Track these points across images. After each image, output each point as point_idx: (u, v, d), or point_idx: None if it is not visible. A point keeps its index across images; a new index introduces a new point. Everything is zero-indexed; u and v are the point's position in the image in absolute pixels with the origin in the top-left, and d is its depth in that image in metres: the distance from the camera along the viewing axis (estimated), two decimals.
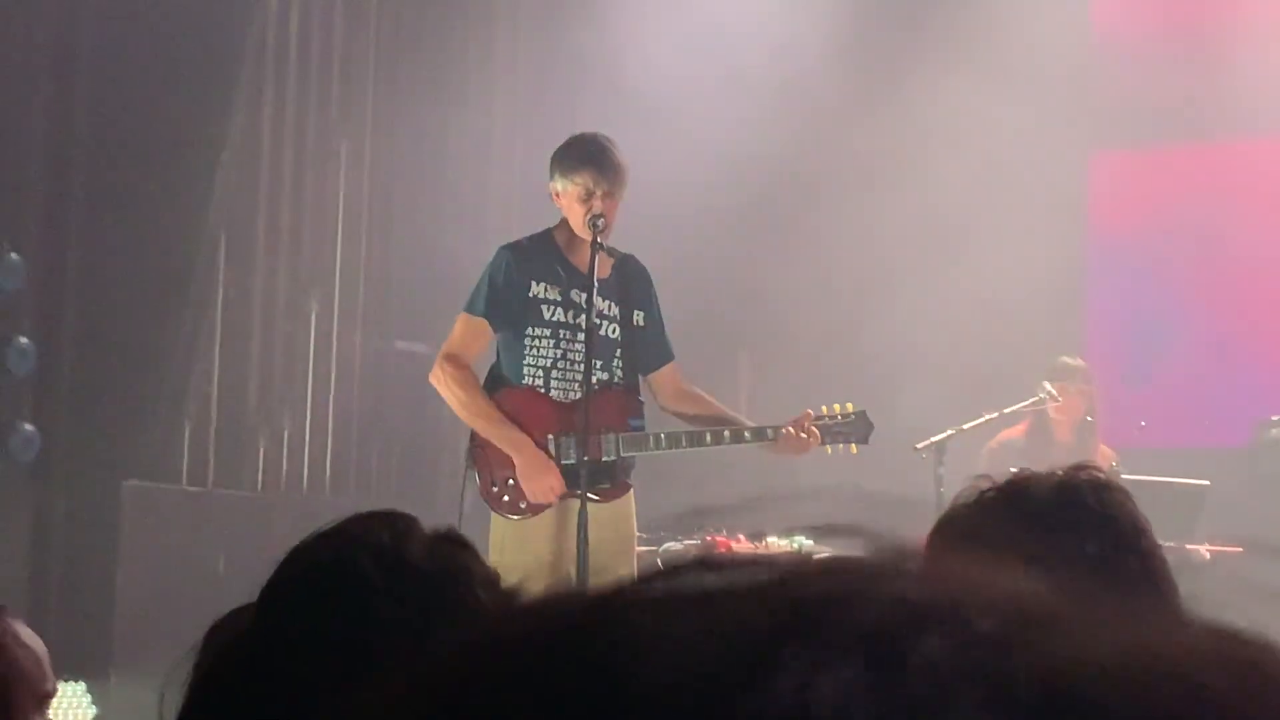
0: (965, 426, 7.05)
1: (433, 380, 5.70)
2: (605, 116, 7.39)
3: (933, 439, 6.83)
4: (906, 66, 8.98)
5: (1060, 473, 1.98)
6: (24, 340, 6.80)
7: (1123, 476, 6.73)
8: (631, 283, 5.70)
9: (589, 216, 5.42)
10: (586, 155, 5.53)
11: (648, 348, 5.73)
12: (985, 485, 1.97)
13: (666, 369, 5.75)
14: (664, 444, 5.63)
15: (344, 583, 1.50)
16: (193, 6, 7.33)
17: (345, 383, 8.23)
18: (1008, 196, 8.63)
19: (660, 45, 8.80)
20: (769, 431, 5.59)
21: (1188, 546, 6.85)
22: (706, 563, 0.54)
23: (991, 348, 7.92)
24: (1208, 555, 6.94)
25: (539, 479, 5.52)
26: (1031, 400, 7.24)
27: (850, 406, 5.70)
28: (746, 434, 5.66)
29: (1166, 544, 6.71)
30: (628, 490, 5.67)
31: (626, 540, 5.57)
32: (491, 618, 0.70)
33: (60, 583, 7.04)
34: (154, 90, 7.26)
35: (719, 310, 8.45)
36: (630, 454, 5.59)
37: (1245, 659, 0.51)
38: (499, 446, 5.55)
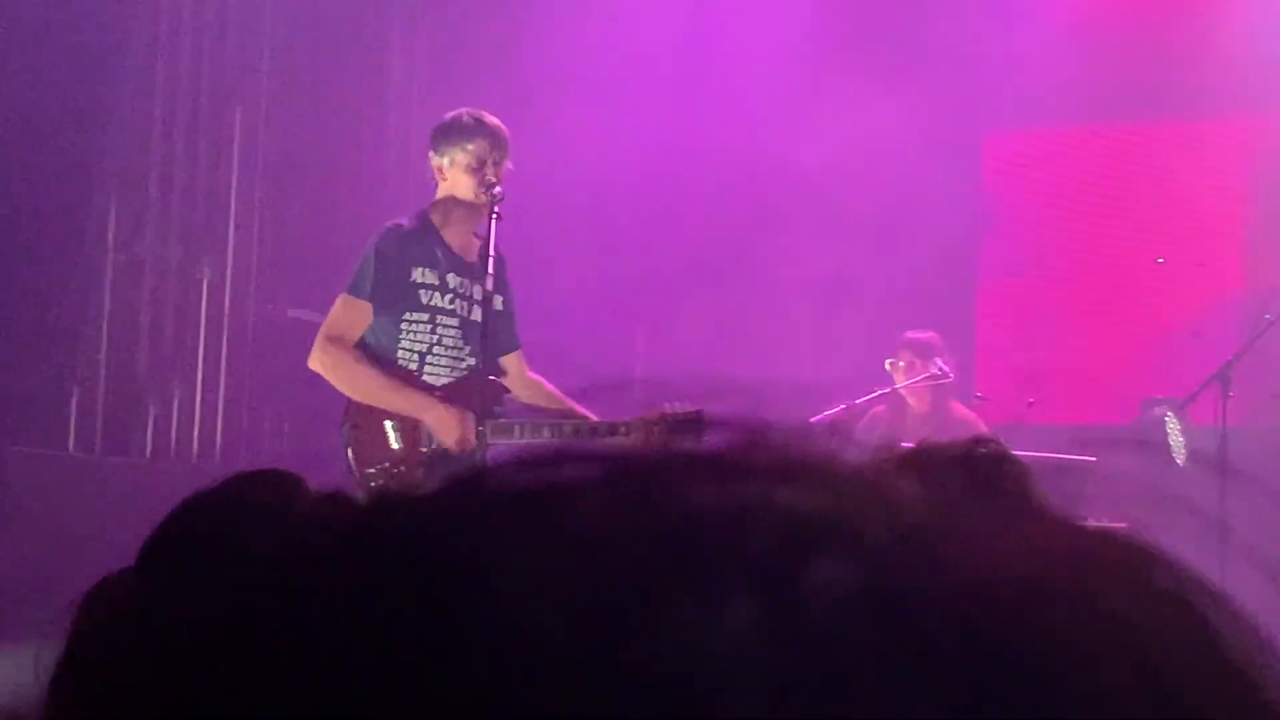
0: (858, 401, 7.15)
1: (313, 364, 5.50)
2: (505, 92, 7.36)
3: (825, 413, 6.88)
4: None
5: (959, 446, 1.93)
6: None
7: (1010, 453, 6.87)
8: (495, 267, 5.51)
9: (486, 184, 5.32)
10: (478, 124, 5.48)
11: (504, 332, 5.62)
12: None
13: (515, 355, 5.69)
14: (528, 433, 5.47)
15: (224, 541, 1.51)
16: None
17: (237, 350, 8.15)
18: (902, 174, 8.67)
19: (559, 23, 8.79)
20: (622, 428, 5.44)
21: None
22: (570, 455, 0.51)
23: (883, 325, 7.94)
24: None
25: (455, 429, 5.35)
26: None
27: (690, 409, 5.33)
28: (603, 428, 5.54)
29: None
30: None
31: None
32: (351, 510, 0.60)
33: None
34: (38, 55, 7.10)
35: (618, 289, 8.45)
36: (497, 441, 5.39)
37: (1129, 566, 0.51)
38: (406, 412, 5.39)
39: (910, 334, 7.48)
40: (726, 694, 0.44)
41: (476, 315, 5.47)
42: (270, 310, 8.30)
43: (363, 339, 5.44)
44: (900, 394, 7.33)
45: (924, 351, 7.41)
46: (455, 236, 5.49)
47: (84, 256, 7.44)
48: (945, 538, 0.48)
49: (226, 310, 8.11)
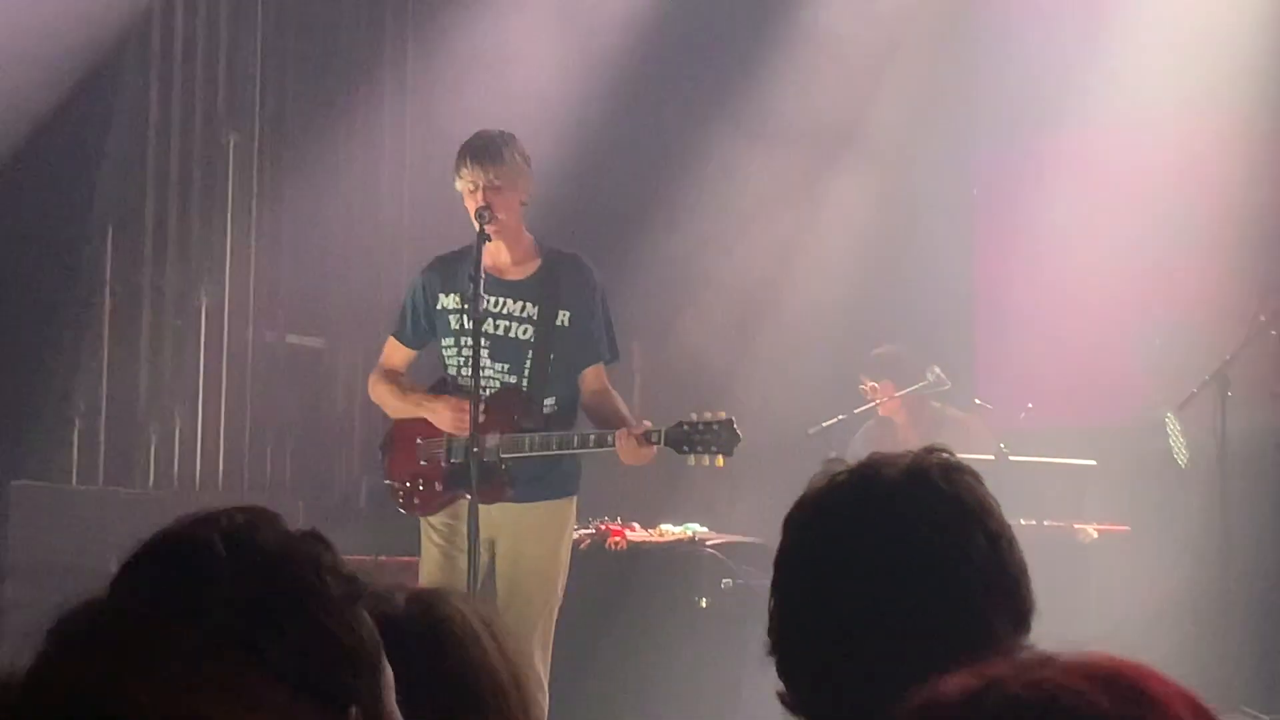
0: (856, 412, 7.33)
1: (373, 394, 6.00)
2: (496, 116, 7.43)
3: (823, 424, 7.04)
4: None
5: (911, 455, 2.02)
6: None
7: (1010, 458, 6.91)
8: (560, 283, 5.70)
9: (477, 212, 5.46)
10: (469, 149, 5.60)
11: (575, 348, 5.72)
12: (837, 468, 2.00)
13: (590, 370, 5.73)
14: (537, 446, 5.61)
15: (192, 556, 1.56)
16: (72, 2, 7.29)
17: (237, 378, 8.19)
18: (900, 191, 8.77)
19: (550, 44, 8.83)
20: (609, 437, 5.54)
21: (1075, 525, 7.01)
22: None
23: (884, 337, 8.08)
24: (1095, 534, 7.09)
25: (447, 417, 5.63)
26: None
27: (721, 414, 5.50)
28: (592, 439, 5.63)
29: (1055, 522, 6.86)
30: (526, 498, 5.65)
31: (531, 569, 5.55)
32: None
33: None
34: (32, 86, 7.09)
35: (616, 302, 8.55)
36: (509, 455, 5.55)
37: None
38: (415, 414, 5.73)
39: (874, 351, 7.66)
40: None
41: (518, 333, 5.66)
42: (269, 337, 8.34)
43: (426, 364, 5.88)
44: (879, 409, 7.49)
45: (889, 367, 7.51)
46: (491, 255, 5.60)
47: (82, 288, 7.51)
48: None
49: (225, 338, 8.15)
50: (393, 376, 5.85)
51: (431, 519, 5.65)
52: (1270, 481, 7.46)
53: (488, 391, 5.60)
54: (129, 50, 7.53)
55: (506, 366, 5.62)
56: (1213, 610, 7.06)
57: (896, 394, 7.36)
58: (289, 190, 8.38)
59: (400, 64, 8.98)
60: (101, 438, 7.53)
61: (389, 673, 1.60)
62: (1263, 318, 7.18)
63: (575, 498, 5.72)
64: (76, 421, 7.43)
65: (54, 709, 0.50)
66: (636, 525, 6.97)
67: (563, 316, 5.65)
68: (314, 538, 1.61)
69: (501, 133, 5.69)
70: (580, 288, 5.70)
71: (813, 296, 8.65)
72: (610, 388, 5.73)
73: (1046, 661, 1.19)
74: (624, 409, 5.67)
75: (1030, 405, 7.66)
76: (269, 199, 8.32)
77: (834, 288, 8.59)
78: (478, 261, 5.44)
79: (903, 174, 8.81)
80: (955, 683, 1.20)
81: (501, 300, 5.64)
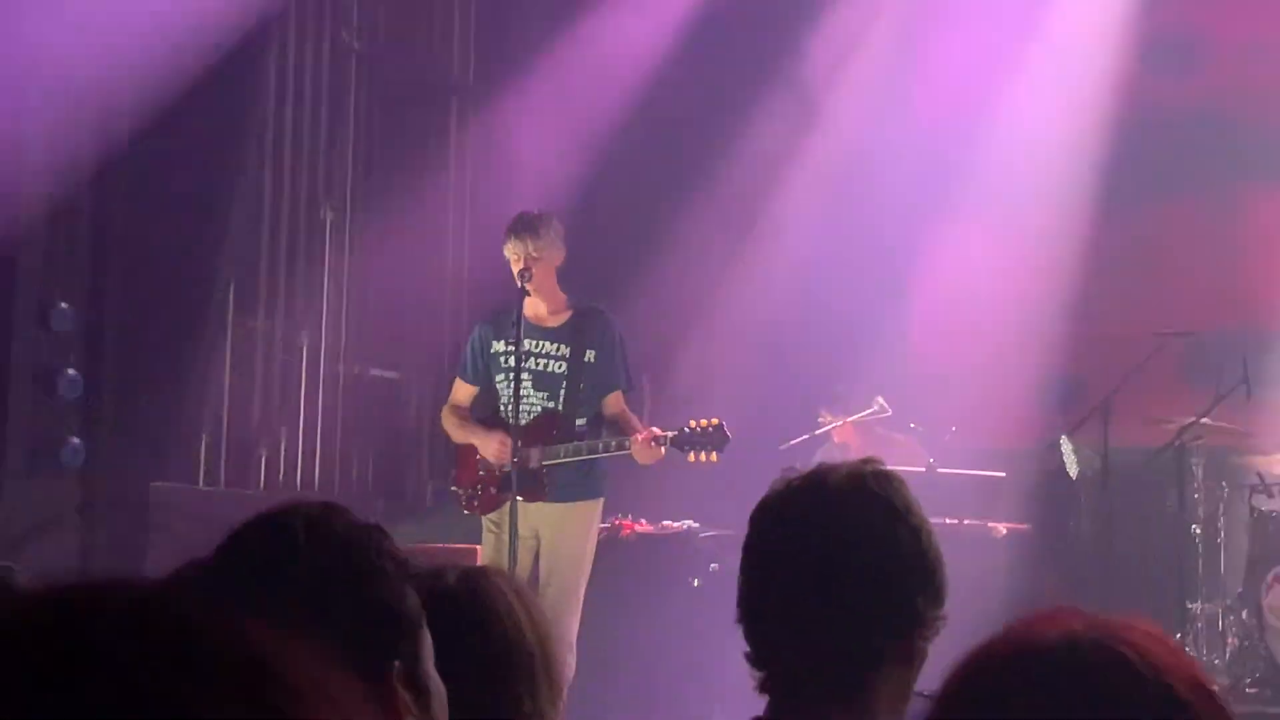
0: (817, 433, 7.20)
1: (443, 424, 6.04)
2: (530, 196, 7.37)
3: (791, 442, 6.95)
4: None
5: (850, 465, 2.02)
6: (72, 371, 6.60)
7: (938, 470, 6.84)
8: (586, 328, 5.67)
9: (518, 271, 5.51)
10: (513, 227, 5.60)
11: (600, 379, 5.68)
12: (792, 475, 2.00)
13: (611, 396, 5.69)
14: (570, 453, 5.58)
15: (279, 534, 1.61)
16: (209, 97, 7.23)
17: (330, 402, 8.06)
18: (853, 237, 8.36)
19: (564, 137, 8.42)
20: (625, 443, 5.52)
21: (988, 524, 6.96)
22: None
23: (842, 376, 7.89)
24: (1004, 531, 6.97)
25: (492, 448, 5.65)
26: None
27: (715, 420, 5.47)
28: (614, 444, 5.61)
29: (972, 521, 6.72)
30: (560, 499, 5.57)
31: (567, 554, 5.46)
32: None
33: (102, 568, 6.85)
34: (175, 168, 7.09)
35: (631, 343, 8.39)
36: (548, 462, 5.52)
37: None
38: (471, 441, 5.73)
39: (833, 389, 7.55)
40: None
41: (555, 368, 5.62)
42: (356, 370, 8.31)
43: (484, 395, 5.89)
44: (833, 438, 7.37)
45: (841, 401, 7.42)
46: (532, 308, 5.63)
47: (210, 330, 7.38)
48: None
49: (321, 371, 8.07)
50: (458, 413, 5.84)
51: (489, 516, 5.65)
52: (1146, 489, 7.37)
53: (530, 415, 5.57)
54: (250, 145, 7.49)
55: (546, 394, 5.61)
56: (1097, 592, 6.95)
57: (849, 420, 7.28)
58: (372, 253, 8.28)
59: (461, 154, 8.89)
60: (224, 449, 7.43)
61: (429, 640, 1.61)
62: (1167, 331, 7.02)
63: (602, 500, 5.71)
64: (204, 436, 7.31)
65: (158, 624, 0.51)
66: (644, 520, 6.96)
67: (589, 355, 5.63)
68: (376, 528, 1.63)
69: (540, 214, 5.67)
70: (603, 332, 5.69)
71: (782, 339, 8.48)
72: (626, 409, 5.73)
73: (1103, 618, 1.16)
74: (638, 424, 5.68)
75: (954, 429, 7.64)
76: (357, 260, 8.21)
77: (797, 333, 8.42)
78: (519, 311, 5.49)
79: (831, 256, 8.42)
80: (1037, 630, 1.13)
81: (541, 342, 5.62)
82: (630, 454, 5.49)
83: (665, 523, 6.99)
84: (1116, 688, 1.05)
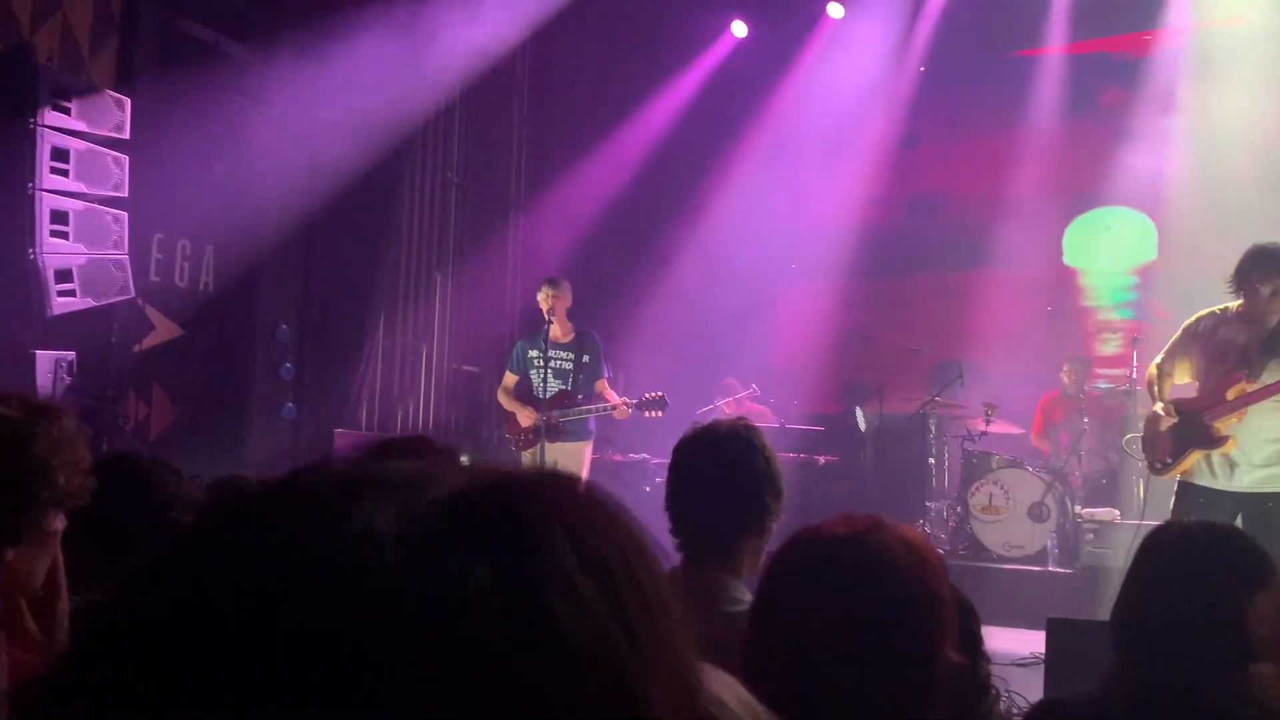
0: (714, 405, 7.69)
1: (498, 397, 6.57)
2: (560, 256, 8.12)
3: (700, 410, 7.48)
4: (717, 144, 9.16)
5: (731, 420, 2.12)
6: (288, 364, 7.10)
7: (786, 426, 7.68)
8: (584, 343, 6.30)
9: (546, 309, 6.29)
10: (545, 281, 6.37)
11: (592, 372, 6.31)
12: (699, 425, 2.10)
13: (598, 382, 6.36)
14: (576, 414, 6.16)
15: (407, 448, 1.01)
16: (371, 193, 7.45)
17: (438, 384, 8.52)
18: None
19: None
20: (608, 407, 6.12)
21: (814, 457, 7.59)
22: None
23: (725, 363, 8.29)
24: (822, 461, 7.61)
25: (523, 415, 6.33)
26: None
27: (659, 393, 6.12)
28: (599, 408, 6.08)
29: (804, 455, 7.76)
30: (570, 440, 6.15)
31: (576, 469, 4.83)
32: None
33: None
34: (351, 236, 7.42)
35: (610, 349, 7.61)
36: (563, 419, 6.21)
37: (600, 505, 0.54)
38: (513, 409, 6.32)
39: (723, 381, 8.02)
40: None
41: (565, 366, 6.25)
42: (452, 365, 8.67)
43: (522, 381, 6.44)
44: (724, 407, 7.83)
45: (728, 389, 7.84)
46: (553, 331, 6.29)
47: (366, 339, 7.79)
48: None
49: (433, 366, 8.47)
50: (507, 392, 6.38)
51: (527, 452, 6.31)
52: (904, 438, 7.86)
53: (551, 394, 6.26)
54: (394, 230, 8.06)
55: (560, 381, 6.32)
56: (875, 498, 7.37)
57: (733, 399, 7.81)
58: (465, 294, 8.83)
59: (515, 240, 9.48)
60: (376, 412, 7.93)
61: None
62: (923, 349, 7.50)
63: (592, 440, 6.43)
64: (364, 404, 7.89)
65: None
66: (619, 453, 7.67)
67: (586, 358, 6.33)
68: (458, 447, 1.18)
69: (559, 276, 6.42)
70: (593, 346, 6.42)
71: (695, 344, 8.89)
72: (608, 387, 6.40)
73: (876, 519, 1.19)
74: (614, 396, 6.35)
75: (795, 402, 8.17)
76: (453, 301, 8.74)
77: (703, 341, 8.82)
78: (546, 333, 6.32)
79: (724, 292, 8.71)
80: (833, 526, 1.17)
81: (557, 351, 6.35)
82: (611, 415, 6.18)
83: (630, 454, 7.63)
84: (884, 563, 1.16)
